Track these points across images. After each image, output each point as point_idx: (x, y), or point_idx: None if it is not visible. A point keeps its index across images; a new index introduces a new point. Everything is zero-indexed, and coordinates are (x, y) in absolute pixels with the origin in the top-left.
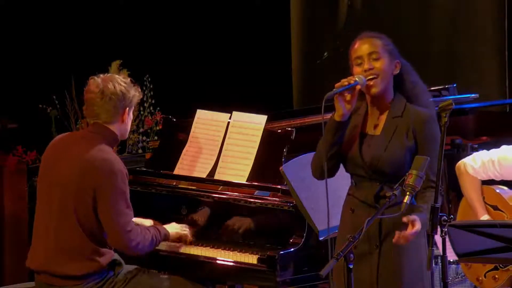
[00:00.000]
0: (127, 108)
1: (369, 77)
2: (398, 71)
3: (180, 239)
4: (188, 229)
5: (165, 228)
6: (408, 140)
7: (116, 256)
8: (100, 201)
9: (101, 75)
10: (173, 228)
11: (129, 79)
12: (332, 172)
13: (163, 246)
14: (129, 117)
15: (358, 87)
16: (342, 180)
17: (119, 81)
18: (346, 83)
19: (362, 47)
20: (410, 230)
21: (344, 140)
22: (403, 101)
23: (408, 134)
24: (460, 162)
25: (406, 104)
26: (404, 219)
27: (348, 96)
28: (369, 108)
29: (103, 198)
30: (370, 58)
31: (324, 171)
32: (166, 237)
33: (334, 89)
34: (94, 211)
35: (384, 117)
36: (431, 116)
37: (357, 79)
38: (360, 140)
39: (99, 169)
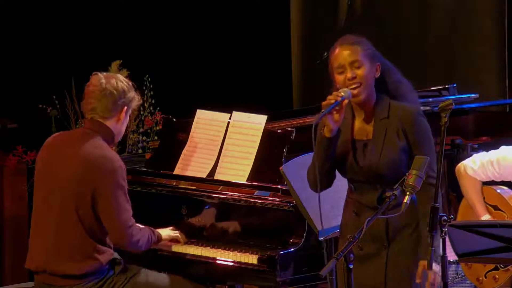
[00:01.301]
0: (126, 107)
1: (352, 87)
2: (379, 74)
3: (172, 241)
4: (178, 233)
5: (158, 232)
6: (400, 140)
7: (116, 255)
8: (101, 198)
9: (104, 73)
10: (164, 231)
11: (131, 83)
12: (329, 184)
13: (163, 246)
14: (126, 118)
15: (345, 101)
16: (341, 180)
17: (121, 79)
18: (333, 100)
19: (343, 54)
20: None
21: (338, 149)
22: (386, 100)
23: (398, 135)
24: (459, 164)
25: (389, 103)
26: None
27: (336, 116)
28: (355, 113)
29: (104, 196)
30: (352, 67)
31: (321, 185)
32: (159, 239)
33: (322, 110)
34: (93, 208)
35: (371, 121)
36: (417, 110)
37: (343, 93)
38: (353, 148)
39: (100, 167)
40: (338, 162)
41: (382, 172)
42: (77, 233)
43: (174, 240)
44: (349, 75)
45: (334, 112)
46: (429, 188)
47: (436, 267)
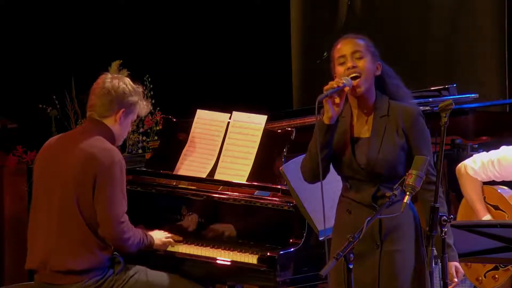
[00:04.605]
0: (123, 110)
1: (352, 75)
2: (379, 73)
3: (164, 246)
4: (171, 237)
5: (151, 236)
6: (399, 138)
7: (116, 254)
8: (98, 190)
9: (114, 74)
10: (157, 235)
11: (141, 89)
12: (323, 175)
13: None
14: (126, 122)
15: (347, 88)
16: (341, 181)
17: (126, 82)
18: (335, 85)
19: (345, 46)
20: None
21: (336, 146)
22: (386, 99)
23: (398, 132)
24: (460, 164)
25: (389, 102)
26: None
27: (337, 99)
28: (355, 111)
29: (101, 187)
30: (353, 57)
31: (317, 174)
32: (151, 244)
33: (325, 92)
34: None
35: (371, 118)
36: (418, 111)
37: (344, 81)
38: (352, 145)
39: (100, 158)
40: (336, 159)
41: (379, 169)
42: (78, 226)
43: (170, 244)
44: (349, 64)
45: (335, 96)
46: (432, 188)
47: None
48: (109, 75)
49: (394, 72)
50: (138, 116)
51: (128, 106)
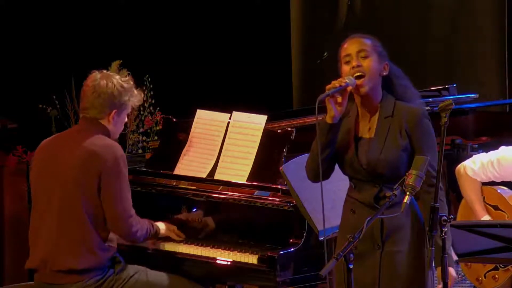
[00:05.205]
0: (116, 110)
1: (356, 74)
2: (386, 73)
3: (170, 234)
4: (175, 229)
5: (157, 225)
6: (402, 139)
7: (117, 254)
8: (104, 188)
9: (103, 71)
10: (162, 226)
11: (132, 82)
12: (326, 174)
13: (163, 245)
14: (119, 119)
15: (349, 88)
16: (343, 181)
17: (114, 81)
18: (337, 84)
19: (351, 46)
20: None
21: (339, 145)
22: (392, 100)
23: (401, 133)
24: (459, 165)
25: (395, 102)
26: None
27: (339, 98)
28: (360, 110)
29: (108, 185)
30: (359, 56)
31: (318, 174)
32: (157, 233)
33: (326, 91)
34: (99, 197)
35: (375, 118)
36: (422, 111)
37: (347, 80)
38: (355, 144)
39: (103, 155)
40: (339, 158)
41: (381, 170)
42: (78, 226)
43: (172, 235)
44: (354, 63)
45: (337, 95)
46: (433, 190)
47: (452, 271)
48: (98, 75)
49: (403, 72)
50: (132, 108)
51: (120, 106)
